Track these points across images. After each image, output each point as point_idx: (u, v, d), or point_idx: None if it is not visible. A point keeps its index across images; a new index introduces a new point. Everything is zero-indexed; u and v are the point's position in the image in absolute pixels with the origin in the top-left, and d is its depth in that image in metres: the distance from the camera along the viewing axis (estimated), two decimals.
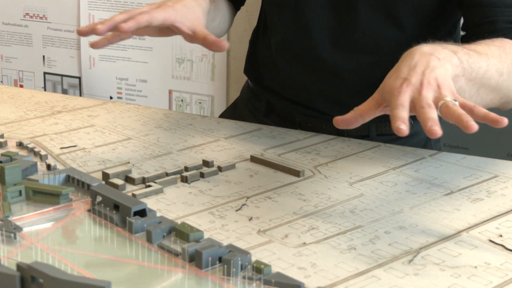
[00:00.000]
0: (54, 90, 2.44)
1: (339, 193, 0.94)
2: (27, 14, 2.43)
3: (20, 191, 0.90)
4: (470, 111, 0.83)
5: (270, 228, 0.83)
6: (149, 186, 0.94)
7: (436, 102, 0.83)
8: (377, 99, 0.88)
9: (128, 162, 1.03)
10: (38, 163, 1.00)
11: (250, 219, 0.86)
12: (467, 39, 1.10)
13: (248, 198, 0.92)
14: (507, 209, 0.89)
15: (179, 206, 0.89)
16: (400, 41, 1.11)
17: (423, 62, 0.88)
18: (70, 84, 2.42)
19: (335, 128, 1.06)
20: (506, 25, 1.09)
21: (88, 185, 0.91)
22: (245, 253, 0.74)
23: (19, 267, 0.69)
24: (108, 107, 1.31)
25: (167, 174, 0.98)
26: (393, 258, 0.76)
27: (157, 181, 0.95)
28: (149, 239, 0.79)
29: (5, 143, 1.10)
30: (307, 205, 0.90)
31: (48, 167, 1.00)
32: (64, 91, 2.43)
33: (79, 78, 2.40)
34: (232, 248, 0.75)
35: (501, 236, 0.82)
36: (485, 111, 0.83)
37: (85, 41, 2.36)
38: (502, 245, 0.80)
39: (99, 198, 0.86)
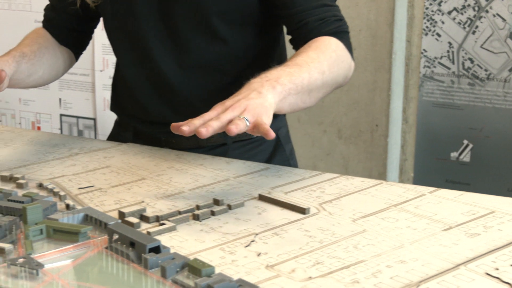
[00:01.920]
0: (70, 131, 2.50)
1: (343, 229, 0.98)
2: None
3: (41, 230, 0.95)
4: (256, 127, 1.02)
5: (277, 263, 0.88)
6: (163, 224, 0.99)
7: (233, 119, 1.02)
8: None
9: (143, 201, 1.08)
10: (58, 203, 1.05)
11: (259, 254, 0.90)
12: (293, 41, 1.31)
13: (256, 234, 0.96)
14: (503, 243, 0.93)
15: (191, 243, 0.94)
16: (226, 54, 1.34)
17: (244, 94, 1.08)
18: (86, 126, 2.49)
19: (195, 141, 1.31)
20: (317, 22, 1.27)
21: (105, 224, 0.96)
22: (254, 287, 0.78)
23: None
24: (123, 149, 1.36)
25: (179, 213, 1.03)
26: None
27: (170, 219, 1.00)
28: (163, 275, 0.83)
29: (26, 184, 1.15)
30: (313, 241, 0.94)
31: (67, 206, 1.05)
32: (80, 132, 2.49)
33: (94, 119, 2.47)
34: (241, 283, 0.79)
35: (497, 269, 0.85)
36: (265, 129, 1.01)
37: (99, 84, 2.43)
38: (498, 278, 0.83)
39: (115, 236, 0.91)
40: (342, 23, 1.30)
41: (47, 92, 2.51)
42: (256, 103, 1.06)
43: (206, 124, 1.01)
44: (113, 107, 1.52)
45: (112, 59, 2.39)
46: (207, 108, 1.13)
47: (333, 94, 1.28)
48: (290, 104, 1.14)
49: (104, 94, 2.42)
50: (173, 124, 1.05)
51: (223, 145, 1.40)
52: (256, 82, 1.11)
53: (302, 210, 1.04)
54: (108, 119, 2.40)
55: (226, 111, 1.04)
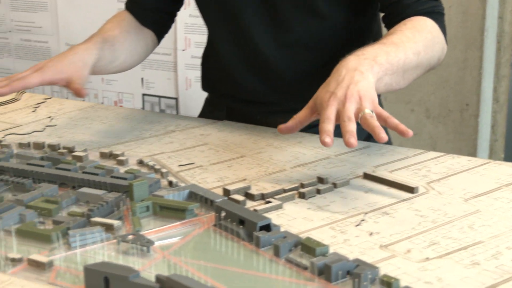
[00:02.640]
0: (152, 111, 2.51)
1: (455, 209, 0.95)
2: None
3: (148, 207, 0.94)
4: (384, 121, 1.00)
5: (391, 243, 0.85)
6: (269, 202, 0.97)
7: (357, 113, 0.99)
8: (311, 107, 1.05)
9: (245, 179, 1.07)
10: (160, 180, 1.04)
11: (371, 234, 0.88)
12: (386, 18, 1.28)
13: (366, 213, 0.94)
14: None
15: (299, 221, 0.92)
16: (324, 32, 1.31)
17: (348, 77, 1.03)
18: (168, 105, 2.50)
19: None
20: (409, 0, 1.23)
21: (212, 201, 0.95)
22: (373, 267, 0.76)
23: (158, 279, 0.72)
24: (218, 126, 1.35)
25: (284, 191, 1.01)
26: None
27: (276, 197, 0.98)
28: (276, 253, 0.81)
29: (126, 161, 1.15)
30: (425, 221, 0.91)
31: (170, 183, 1.04)
32: (162, 112, 2.50)
33: (176, 99, 2.47)
34: (359, 262, 0.77)
35: None
36: (396, 122, 0.99)
37: (181, 63, 2.43)
38: None
39: (223, 214, 0.90)
40: (438, 3, 1.26)
41: (129, 72, 2.49)
42: (365, 87, 1.02)
43: (350, 132, 0.95)
44: (205, 86, 1.50)
45: (194, 38, 2.38)
46: (303, 86, 1.10)
47: None
48: (385, 85, 1.11)
49: (186, 73, 2.41)
50: (281, 126, 1.06)
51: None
52: (353, 60, 1.07)
53: (410, 189, 1.01)
54: (190, 99, 2.40)
55: (344, 104, 0.99)
